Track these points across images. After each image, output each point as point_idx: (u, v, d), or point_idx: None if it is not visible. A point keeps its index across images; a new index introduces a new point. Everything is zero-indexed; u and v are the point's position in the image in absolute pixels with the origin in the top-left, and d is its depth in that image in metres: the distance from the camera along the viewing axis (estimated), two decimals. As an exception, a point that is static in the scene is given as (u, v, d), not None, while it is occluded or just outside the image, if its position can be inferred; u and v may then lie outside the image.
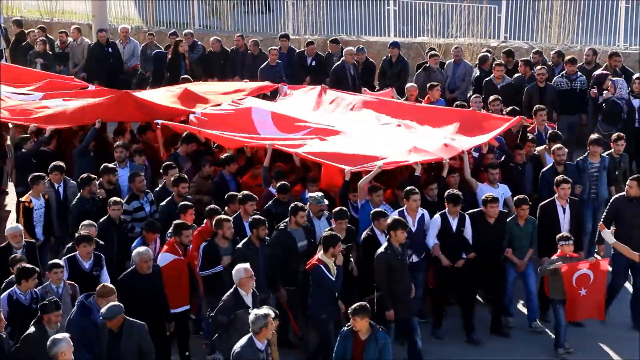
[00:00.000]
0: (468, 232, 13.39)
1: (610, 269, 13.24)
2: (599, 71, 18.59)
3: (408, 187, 13.26)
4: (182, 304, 12.53)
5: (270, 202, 13.71)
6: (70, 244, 12.95)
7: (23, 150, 15.87)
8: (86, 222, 12.96)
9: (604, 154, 15.22)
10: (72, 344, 9.91)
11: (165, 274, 12.14)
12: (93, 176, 14.27)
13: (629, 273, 13.85)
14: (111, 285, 11.33)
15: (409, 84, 18.47)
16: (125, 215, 14.05)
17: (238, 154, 15.40)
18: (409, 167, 14.20)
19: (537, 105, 16.73)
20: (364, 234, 12.99)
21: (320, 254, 12.01)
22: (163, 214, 13.81)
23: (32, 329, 10.65)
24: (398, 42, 21.12)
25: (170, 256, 12.39)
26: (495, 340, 13.53)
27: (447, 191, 13.48)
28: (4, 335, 10.52)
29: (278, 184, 13.76)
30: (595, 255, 13.28)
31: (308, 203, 13.30)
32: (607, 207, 13.95)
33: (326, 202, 13.24)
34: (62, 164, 14.89)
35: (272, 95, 18.44)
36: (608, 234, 13.19)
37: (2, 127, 17.40)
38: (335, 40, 21.30)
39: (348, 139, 14.97)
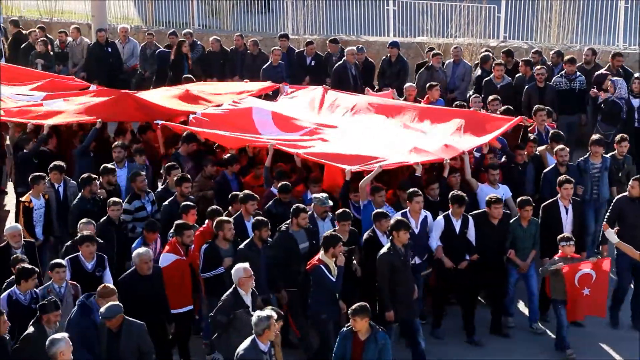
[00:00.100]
0: (471, 234, 13.35)
1: (609, 268, 13.19)
2: (601, 71, 18.57)
3: (411, 190, 13.21)
4: (184, 304, 12.47)
5: (270, 203, 13.69)
6: (68, 243, 12.95)
7: (24, 150, 15.86)
8: (84, 220, 12.97)
9: (606, 155, 15.18)
10: (71, 343, 9.91)
11: (167, 275, 12.11)
12: (94, 176, 14.26)
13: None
14: (112, 286, 11.33)
15: (407, 84, 18.48)
16: (127, 215, 14.05)
17: (240, 154, 15.39)
18: (409, 167, 14.19)
19: (536, 106, 16.72)
20: (365, 235, 12.96)
21: (320, 254, 11.99)
22: (165, 213, 13.79)
23: (31, 329, 10.65)
24: (397, 42, 21.12)
25: (172, 256, 12.35)
26: (495, 341, 13.52)
27: (452, 192, 13.44)
28: (7, 337, 10.47)
29: (279, 184, 13.74)
30: (598, 256, 13.27)
31: (312, 204, 13.28)
32: (610, 207, 13.93)
33: (331, 203, 13.20)
34: (62, 163, 14.89)
35: (273, 95, 18.41)
36: (612, 234, 13.17)
37: (1, 127, 17.37)
38: (335, 40, 21.30)
39: (349, 139, 14.95)
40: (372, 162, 13.89)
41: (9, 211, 16.35)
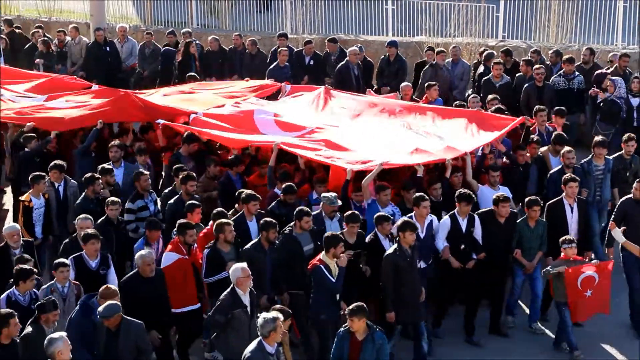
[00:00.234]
0: (478, 233, 13.31)
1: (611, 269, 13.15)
2: (601, 70, 18.56)
3: (418, 194, 13.16)
4: (187, 303, 12.37)
5: (274, 204, 13.64)
6: (66, 240, 12.92)
7: (26, 149, 15.85)
8: (82, 215, 12.96)
9: (608, 156, 15.17)
10: (69, 343, 9.90)
11: (169, 274, 12.08)
12: (97, 176, 14.22)
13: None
14: (114, 287, 11.33)
15: (403, 84, 18.47)
16: (129, 215, 14.04)
17: (242, 153, 15.38)
18: (410, 167, 14.17)
19: (537, 106, 16.67)
20: (367, 239, 12.86)
21: (322, 254, 11.97)
22: (170, 212, 13.78)
23: (29, 329, 10.65)
24: (396, 41, 21.11)
25: (175, 255, 12.30)
26: (495, 340, 13.51)
27: (459, 190, 13.40)
28: (17, 340, 10.46)
29: (284, 185, 13.68)
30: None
31: (320, 203, 13.24)
32: (616, 209, 13.89)
33: (339, 202, 13.16)
34: (62, 163, 14.87)
35: (274, 95, 18.37)
36: (618, 233, 13.17)
37: (0, 127, 17.39)
38: (333, 40, 21.29)
39: (350, 139, 14.92)
40: (374, 162, 13.87)
41: (7, 210, 16.34)
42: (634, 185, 13.78)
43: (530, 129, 16.28)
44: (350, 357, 10.70)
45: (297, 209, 12.77)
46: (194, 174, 14.18)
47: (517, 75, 18.90)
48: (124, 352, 10.66)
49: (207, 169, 14.90)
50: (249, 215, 13.18)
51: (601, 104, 17.68)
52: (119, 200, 13.66)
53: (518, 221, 13.53)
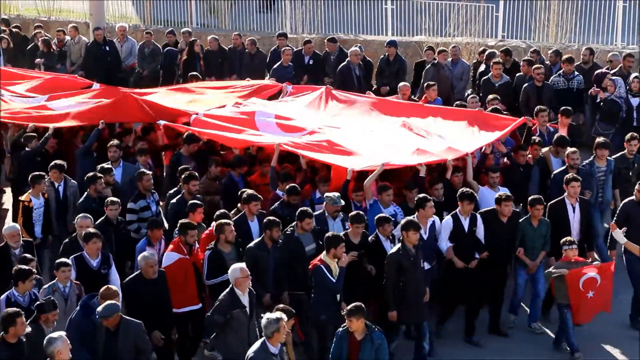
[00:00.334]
0: (480, 232, 13.27)
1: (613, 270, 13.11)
2: (601, 70, 18.55)
3: (422, 195, 13.11)
4: (188, 303, 12.32)
5: (277, 204, 13.60)
6: (67, 240, 12.90)
7: (27, 149, 15.84)
8: (81, 214, 12.96)
9: (610, 157, 15.14)
10: (68, 342, 9.90)
11: (170, 273, 12.05)
12: (99, 175, 14.20)
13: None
14: (115, 287, 11.31)
15: (401, 83, 18.43)
16: (132, 215, 14.03)
17: (244, 154, 15.38)
18: (412, 167, 14.16)
19: (538, 106, 16.61)
20: (368, 240, 12.82)
21: (323, 254, 11.95)
22: (173, 212, 13.76)
23: (28, 328, 10.61)
24: (395, 40, 21.11)
25: (176, 255, 12.27)
26: (495, 340, 13.49)
27: (461, 190, 13.37)
28: (24, 340, 10.45)
29: (288, 187, 13.62)
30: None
31: (324, 202, 13.23)
32: (618, 210, 13.87)
33: (342, 202, 13.13)
34: (62, 162, 14.86)
35: (276, 96, 18.33)
36: (619, 234, 13.16)
37: (0, 127, 17.40)
38: (333, 39, 21.28)
39: (350, 140, 14.89)
40: (375, 162, 13.85)
41: (7, 210, 16.33)
42: (636, 187, 13.76)
43: (532, 129, 16.21)
44: (349, 357, 10.69)
45: (298, 210, 12.73)
46: (196, 174, 14.14)
47: (517, 75, 18.88)
48: (123, 352, 10.65)
49: (208, 170, 14.86)
50: (251, 215, 13.16)
51: (601, 104, 17.66)
52: (119, 200, 13.64)
53: (521, 220, 13.49)
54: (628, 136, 15.44)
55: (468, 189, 13.42)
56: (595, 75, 18.50)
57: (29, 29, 25.47)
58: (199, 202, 13.36)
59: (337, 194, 13.19)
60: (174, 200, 13.95)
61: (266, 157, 14.93)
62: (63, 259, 11.84)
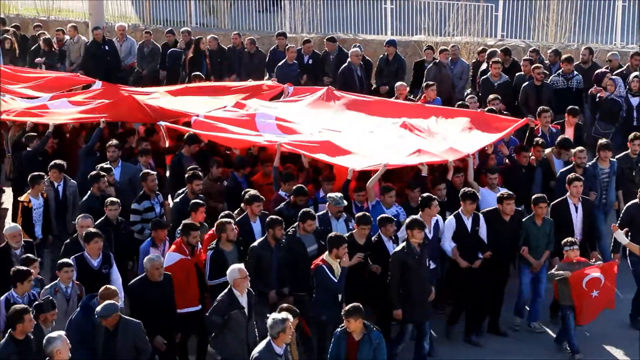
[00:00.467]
0: (482, 232, 13.25)
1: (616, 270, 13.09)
2: (601, 69, 18.55)
3: (426, 195, 13.09)
4: (189, 304, 12.27)
5: (282, 205, 13.55)
6: (67, 241, 12.88)
7: (28, 149, 15.83)
8: (82, 214, 12.93)
9: (613, 159, 15.10)
10: (68, 342, 9.88)
11: (171, 274, 11.96)
12: (102, 174, 14.18)
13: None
14: (114, 287, 11.29)
15: (398, 83, 18.42)
16: (135, 215, 14.00)
17: (247, 154, 15.37)
18: (414, 167, 14.14)
19: (541, 107, 16.52)
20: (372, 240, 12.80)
21: (325, 254, 11.93)
22: (176, 211, 13.73)
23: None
24: (395, 40, 21.09)
25: (177, 256, 12.23)
26: (495, 340, 13.48)
27: (463, 189, 13.36)
28: (32, 337, 10.44)
29: (295, 187, 13.58)
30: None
31: (327, 203, 13.20)
32: (622, 213, 13.83)
33: (345, 202, 13.10)
34: (62, 162, 14.83)
35: (277, 97, 18.29)
36: (621, 235, 13.15)
37: (1, 126, 17.41)
38: (332, 39, 21.27)
39: (351, 142, 14.84)
40: (376, 163, 13.83)
41: (7, 209, 16.30)
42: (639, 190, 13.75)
43: (534, 130, 16.16)
44: (347, 357, 10.68)
45: (301, 211, 12.69)
46: (200, 173, 14.07)
47: (516, 74, 18.87)
48: (122, 352, 10.65)
49: (209, 171, 14.83)
50: (253, 216, 13.12)
51: (601, 103, 17.62)
52: (119, 200, 13.61)
53: (525, 219, 13.47)
54: (631, 136, 15.38)
55: (470, 189, 13.41)
56: (595, 74, 18.48)
57: (28, 29, 25.48)
58: (200, 201, 13.32)
59: (339, 194, 13.17)
60: (177, 200, 13.93)
61: (268, 157, 14.88)
62: (65, 259, 11.81)
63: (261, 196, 13.29)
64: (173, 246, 12.44)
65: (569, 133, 16.20)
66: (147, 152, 15.50)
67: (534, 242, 13.39)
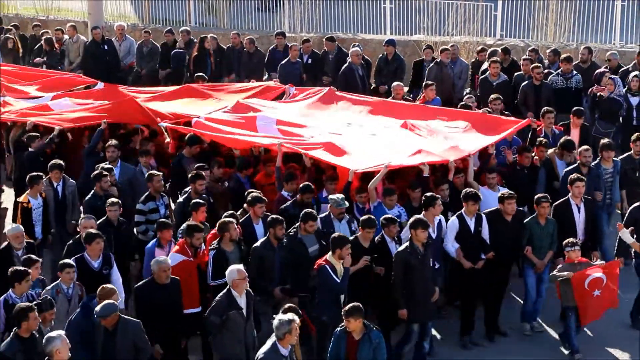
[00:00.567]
0: (485, 232, 13.21)
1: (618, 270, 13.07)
2: (600, 69, 18.57)
3: (429, 194, 13.07)
4: (189, 306, 12.20)
5: (288, 203, 13.52)
6: (70, 242, 12.85)
7: (30, 149, 15.83)
8: (85, 215, 12.91)
9: (616, 159, 15.07)
10: (67, 341, 9.88)
11: (173, 275, 11.90)
12: (105, 173, 14.16)
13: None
14: (111, 286, 11.26)
15: (395, 83, 18.37)
16: (140, 216, 13.96)
17: (249, 155, 15.36)
18: (415, 168, 14.14)
19: (545, 108, 16.45)
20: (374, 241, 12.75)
21: (328, 255, 11.90)
22: (179, 210, 13.68)
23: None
24: (394, 39, 21.09)
25: (180, 257, 12.18)
26: (495, 340, 13.43)
27: (465, 190, 13.32)
28: (37, 336, 10.43)
29: (301, 185, 13.56)
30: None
31: (329, 205, 13.18)
32: (627, 215, 13.78)
33: (347, 204, 13.07)
34: (61, 162, 14.81)
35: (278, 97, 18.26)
36: (626, 234, 13.11)
37: (1, 126, 17.42)
38: (331, 38, 21.27)
39: (352, 144, 14.78)
40: (377, 164, 13.81)
41: (6, 209, 16.27)
42: None
43: (537, 130, 16.12)
44: (347, 356, 10.67)
45: (303, 212, 12.65)
46: (203, 173, 14.01)
47: (515, 74, 18.87)
48: (121, 352, 10.63)
49: (211, 171, 14.77)
50: (256, 218, 13.10)
51: (600, 103, 17.60)
52: (119, 201, 13.58)
53: (528, 219, 13.42)
54: (634, 137, 15.30)
55: (472, 189, 13.38)
56: (595, 74, 18.47)
57: (27, 28, 25.49)
58: (201, 201, 13.28)
59: (341, 195, 13.12)
60: (180, 200, 13.89)
61: (270, 158, 14.87)
62: (67, 260, 11.79)
63: (264, 197, 13.26)
64: (176, 247, 12.41)
65: (575, 134, 16.13)
66: (148, 152, 15.48)
67: (537, 242, 13.34)
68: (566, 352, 13.03)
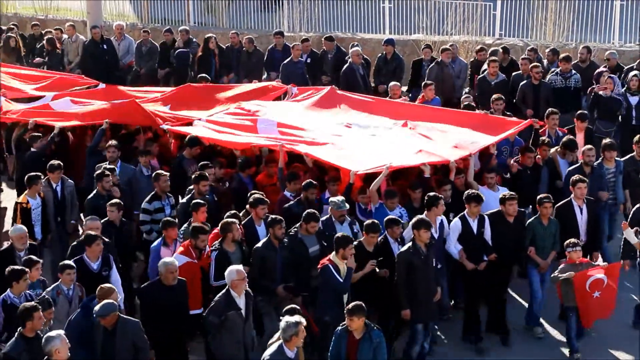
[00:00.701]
0: (487, 233, 13.19)
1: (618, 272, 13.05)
2: (600, 69, 18.57)
3: (432, 194, 13.06)
4: (193, 307, 12.15)
5: (292, 202, 13.51)
6: (74, 243, 12.81)
7: (33, 149, 15.82)
8: (89, 217, 12.90)
9: (618, 158, 15.07)
10: (67, 341, 9.88)
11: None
12: (107, 172, 14.14)
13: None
14: (110, 285, 11.26)
15: (392, 83, 18.32)
16: (145, 215, 13.95)
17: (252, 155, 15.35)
18: (416, 168, 14.13)
19: (550, 109, 16.39)
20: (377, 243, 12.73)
21: (332, 254, 11.89)
22: (183, 211, 13.66)
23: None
24: (393, 39, 21.08)
25: (184, 258, 12.16)
26: (495, 340, 13.42)
27: (467, 191, 13.29)
28: (42, 335, 10.39)
29: (304, 182, 13.57)
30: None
31: (329, 207, 13.15)
32: (631, 215, 13.72)
33: (347, 206, 13.04)
34: (60, 162, 14.79)
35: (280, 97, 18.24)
36: (631, 234, 13.10)
37: (0, 126, 17.43)
38: (330, 38, 21.26)
39: (353, 147, 14.75)
40: (378, 165, 13.79)
41: (5, 208, 16.27)
42: None
43: (540, 131, 16.07)
44: (347, 356, 10.68)
45: (305, 212, 12.62)
46: (207, 174, 13.97)
47: (513, 73, 18.86)
48: (121, 351, 10.64)
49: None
50: (258, 219, 13.08)
51: (600, 102, 17.58)
52: (119, 202, 13.55)
53: (531, 220, 13.41)
54: (637, 138, 15.26)
55: (474, 191, 13.36)
56: (595, 73, 18.47)
57: (26, 28, 25.49)
58: (201, 201, 13.25)
59: (341, 197, 13.09)
60: (183, 200, 13.87)
61: (272, 158, 14.87)
62: (67, 262, 11.77)
63: (266, 199, 13.24)
64: (181, 248, 12.40)
65: (580, 138, 16.04)
66: (147, 152, 15.43)
67: (540, 242, 13.31)
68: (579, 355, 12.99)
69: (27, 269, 11.44)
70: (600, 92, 17.64)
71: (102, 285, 11.17)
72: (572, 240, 12.79)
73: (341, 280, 11.78)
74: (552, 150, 15.38)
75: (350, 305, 10.62)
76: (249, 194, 13.51)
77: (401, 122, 15.71)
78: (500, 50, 19.89)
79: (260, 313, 12.26)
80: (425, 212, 12.88)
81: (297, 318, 10.05)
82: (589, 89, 18.23)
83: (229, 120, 15.94)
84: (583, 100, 18.47)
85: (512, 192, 13.42)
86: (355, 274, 12.10)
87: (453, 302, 14.05)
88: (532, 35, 22.83)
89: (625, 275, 13.60)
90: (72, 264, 11.68)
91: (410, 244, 12.15)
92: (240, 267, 11.27)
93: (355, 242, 12.16)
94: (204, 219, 13.01)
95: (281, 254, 12.40)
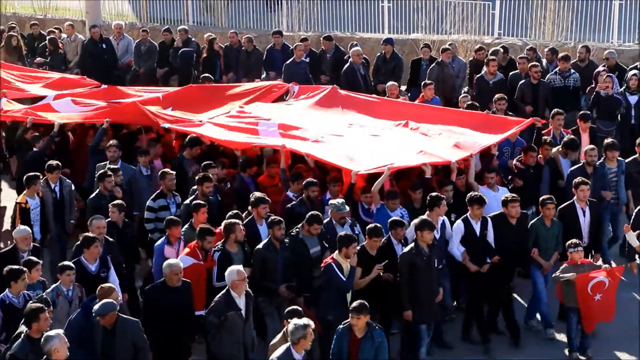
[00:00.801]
0: (490, 235, 13.16)
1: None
2: (599, 68, 18.57)
3: (434, 194, 13.03)
4: (197, 308, 12.07)
5: (294, 202, 13.51)
6: (78, 243, 12.75)
7: (34, 149, 15.80)
8: (95, 216, 12.87)
9: (620, 159, 15.03)
10: (66, 340, 9.87)
11: (182, 278, 11.82)
12: (109, 172, 14.13)
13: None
14: (109, 284, 11.24)
15: (389, 83, 18.30)
16: (150, 213, 13.93)
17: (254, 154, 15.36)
18: (417, 168, 14.14)
19: (555, 110, 16.35)
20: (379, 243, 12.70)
21: (335, 253, 11.89)
22: (186, 211, 13.62)
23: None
24: (392, 38, 21.11)
25: (190, 260, 12.14)
26: (494, 340, 13.41)
27: (470, 193, 13.28)
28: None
29: (306, 180, 13.55)
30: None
31: (330, 210, 13.12)
32: (634, 216, 13.71)
33: (347, 208, 13.01)
34: (59, 163, 14.77)
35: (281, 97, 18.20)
36: (633, 237, 13.09)
37: (0, 126, 17.43)
38: (329, 37, 21.27)
39: (353, 147, 14.74)
40: (380, 165, 13.80)
41: (5, 207, 16.27)
42: None
43: (543, 131, 16.06)
44: (349, 354, 10.68)
45: (309, 214, 12.58)
46: (210, 175, 13.95)
47: (511, 73, 18.86)
48: (120, 351, 10.65)
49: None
50: (259, 219, 13.07)
51: (600, 101, 17.57)
52: (121, 203, 13.51)
53: (534, 221, 13.38)
54: (639, 140, 15.23)
55: (477, 193, 13.33)
56: (595, 73, 18.47)
57: (25, 27, 25.48)
58: (202, 202, 13.22)
59: (341, 200, 13.07)
60: (187, 201, 13.82)
61: (274, 159, 14.87)
62: (67, 262, 11.76)
63: (267, 198, 13.21)
64: (187, 249, 12.38)
65: (585, 139, 16.02)
66: (147, 152, 15.42)
67: (543, 243, 13.29)
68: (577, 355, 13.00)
69: (25, 269, 11.41)
70: (601, 92, 17.63)
71: (103, 285, 11.17)
72: (574, 240, 12.75)
73: (344, 279, 11.76)
74: (554, 150, 15.38)
75: (355, 304, 10.62)
76: (251, 195, 13.50)
77: (403, 122, 15.72)
78: (501, 50, 19.88)
79: (262, 314, 12.27)
80: (427, 212, 12.86)
81: (305, 321, 10.00)
82: (588, 88, 18.23)
83: (229, 123, 15.93)
84: (582, 99, 18.48)
85: (514, 194, 13.40)
86: (362, 279, 12.09)
87: (455, 302, 14.04)
88: (531, 35, 22.84)
89: (625, 275, 13.57)
90: (72, 264, 11.65)
91: (412, 244, 12.13)
92: (240, 267, 11.25)
93: (358, 247, 12.13)
94: (204, 219, 12.99)
95: (282, 255, 12.39)
